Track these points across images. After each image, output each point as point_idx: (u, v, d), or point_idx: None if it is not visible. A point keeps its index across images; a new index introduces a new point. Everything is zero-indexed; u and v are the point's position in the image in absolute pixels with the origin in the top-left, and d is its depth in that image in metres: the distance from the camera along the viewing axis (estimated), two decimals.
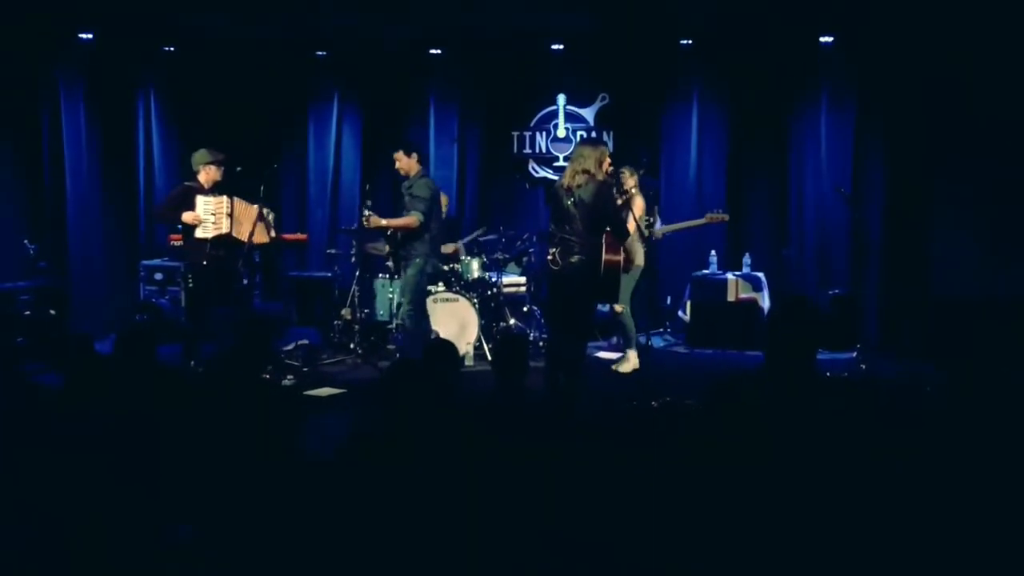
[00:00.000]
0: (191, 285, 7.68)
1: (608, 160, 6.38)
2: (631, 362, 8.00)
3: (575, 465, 3.04)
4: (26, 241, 8.08)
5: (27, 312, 7.88)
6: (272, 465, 3.70)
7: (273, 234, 7.87)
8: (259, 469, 3.64)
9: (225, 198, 7.58)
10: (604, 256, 6.33)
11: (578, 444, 3.15)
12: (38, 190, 9.21)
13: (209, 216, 7.50)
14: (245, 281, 8.03)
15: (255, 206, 7.65)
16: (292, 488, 3.48)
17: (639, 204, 7.58)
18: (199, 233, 7.52)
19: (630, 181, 7.74)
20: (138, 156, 10.07)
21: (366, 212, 7.64)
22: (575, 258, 6.23)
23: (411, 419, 3.36)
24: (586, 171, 6.23)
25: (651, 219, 8.52)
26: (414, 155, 7.70)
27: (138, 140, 10.07)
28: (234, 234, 7.56)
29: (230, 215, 7.55)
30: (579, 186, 6.23)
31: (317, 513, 3.25)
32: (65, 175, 9.36)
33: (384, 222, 7.63)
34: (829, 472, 2.65)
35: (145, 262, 9.51)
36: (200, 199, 7.50)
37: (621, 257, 6.46)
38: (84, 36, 9.30)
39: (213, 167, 7.62)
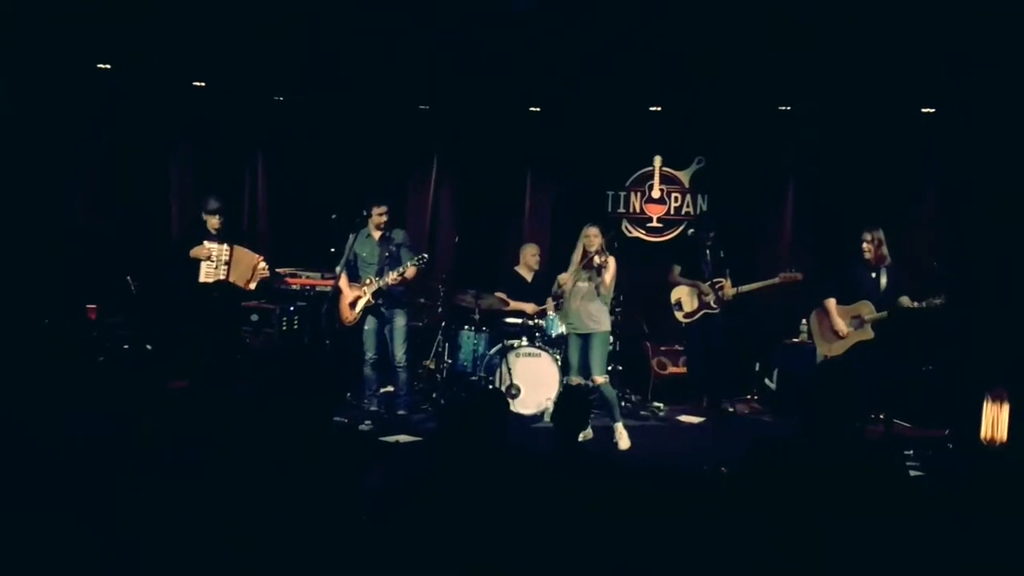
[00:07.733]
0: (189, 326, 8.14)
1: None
2: (623, 437, 7.49)
3: (594, 517, 3.02)
4: None
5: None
6: (320, 502, 3.76)
7: (253, 286, 8.26)
8: (304, 505, 3.70)
9: (226, 245, 8.12)
10: None
11: (606, 497, 3.13)
12: None
13: (211, 260, 8.05)
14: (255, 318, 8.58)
15: (257, 256, 8.23)
16: (335, 527, 3.54)
17: (612, 265, 7.46)
18: (202, 278, 8.06)
19: (596, 242, 7.43)
20: (243, 209, 10.32)
21: (395, 274, 7.78)
22: None
23: (456, 462, 3.42)
24: None
25: (721, 281, 8.47)
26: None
27: (244, 194, 10.37)
28: (232, 280, 8.10)
29: (228, 263, 8.10)
30: None
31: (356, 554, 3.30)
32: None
33: (405, 276, 7.82)
34: (848, 542, 2.58)
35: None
36: (205, 243, 8.09)
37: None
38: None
39: (210, 216, 8.13)
